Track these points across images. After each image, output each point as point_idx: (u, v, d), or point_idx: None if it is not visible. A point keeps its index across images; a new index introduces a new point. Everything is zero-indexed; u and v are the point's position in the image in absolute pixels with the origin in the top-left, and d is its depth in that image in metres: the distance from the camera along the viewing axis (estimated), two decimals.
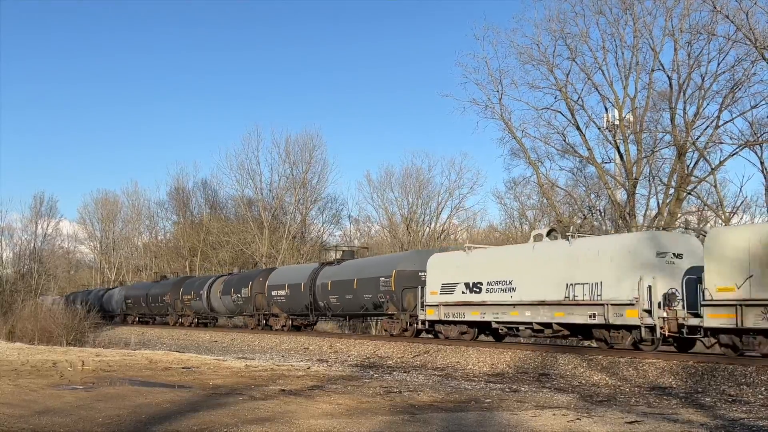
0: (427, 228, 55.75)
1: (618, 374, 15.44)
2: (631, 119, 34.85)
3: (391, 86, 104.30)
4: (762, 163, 33.84)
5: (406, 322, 25.30)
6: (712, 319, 15.70)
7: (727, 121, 32.98)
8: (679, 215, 34.26)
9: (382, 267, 26.63)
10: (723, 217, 34.30)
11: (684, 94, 33.23)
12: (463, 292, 22.19)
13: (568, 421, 9.26)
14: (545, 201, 41.04)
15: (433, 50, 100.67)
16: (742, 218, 36.17)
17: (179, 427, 8.44)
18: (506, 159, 62.73)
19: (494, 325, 21.47)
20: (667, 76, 33.75)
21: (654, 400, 12.14)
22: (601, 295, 18.02)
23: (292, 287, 31.78)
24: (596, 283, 18.15)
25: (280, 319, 32.89)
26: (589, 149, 36.65)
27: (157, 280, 49.95)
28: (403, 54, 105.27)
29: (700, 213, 36.75)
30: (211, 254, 60.34)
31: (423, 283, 23.99)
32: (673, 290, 16.95)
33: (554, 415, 9.88)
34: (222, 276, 41.21)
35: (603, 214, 40.21)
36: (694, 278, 16.56)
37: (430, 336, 24.44)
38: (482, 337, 23.22)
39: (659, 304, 16.94)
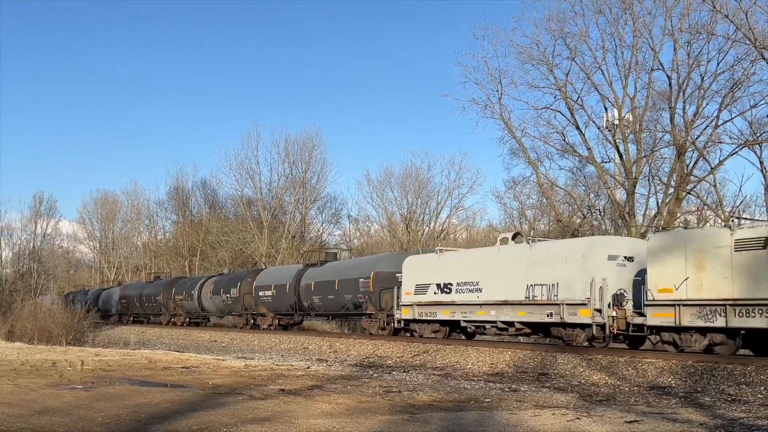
0: (427, 227, 55.78)
1: (617, 374, 15.45)
2: (631, 119, 34.84)
3: (390, 86, 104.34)
4: (761, 162, 33.86)
5: (384, 321, 26.33)
6: (654, 317, 16.99)
7: (726, 121, 33.00)
8: (678, 215, 34.24)
9: (362, 269, 27.80)
10: (722, 216, 34.30)
11: (683, 93, 33.25)
12: (435, 293, 23.33)
13: (567, 421, 9.26)
14: (545, 200, 41.04)
15: (432, 50, 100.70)
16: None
17: (179, 427, 8.44)
18: (506, 158, 62.61)
19: (463, 324, 22.65)
20: (667, 75, 33.78)
21: (653, 400, 12.14)
22: (557, 295, 19.29)
23: (278, 288, 32.84)
24: (553, 284, 19.42)
25: (267, 318, 34.00)
26: (588, 149, 36.68)
27: (151, 280, 50.76)
28: (403, 54, 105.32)
29: (699, 213, 36.76)
30: (210, 254, 60.35)
31: (399, 284, 24.98)
32: (622, 291, 18.14)
33: (554, 414, 9.89)
34: (212, 277, 42.27)
35: (602, 214, 40.22)
36: (640, 280, 17.76)
37: (408, 334, 25.43)
38: (454, 335, 24.34)
39: (609, 303, 18.11)
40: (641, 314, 17.56)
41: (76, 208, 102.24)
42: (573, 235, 35.78)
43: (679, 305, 16.38)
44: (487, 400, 11.61)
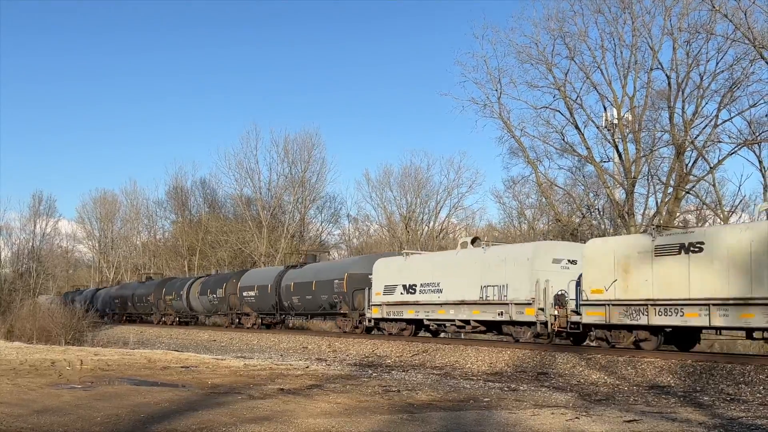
0: (426, 227, 55.80)
1: (616, 373, 15.46)
2: (630, 118, 34.85)
3: (389, 85, 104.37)
4: (760, 162, 33.91)
5: (357, 320, 27.89)
6: (588, 316, 18.45)
7: (725, 120, 33.04)
8: (677, 214, 34.28)
9: (337, 270, 29.44)
10: (722, 216, 34.33)
11: (683, 93, 33.27)
12: (401, 293, 24.90)
13: (566, 420, 9.26)
14: (544, 200, 41.07)
15: (431, 49, 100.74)
16: (740, 217, 36.20)
17: (178, 427, 8.44)
18: (505, 158, 62.56)
19: (426, 322, 24.29)
20: (666, 75, 33.79)
21: (652, 399, 12.15)
22: (507, 295, 20.98)
23: (261, 288, 34.34)
24: (503, 285, 21.11)
25: (251, 317, 35.49)
26: (587, 148, 36.69)
27: (143, 280, 51.80)
28: (402, 53, 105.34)
29: (698, 212, 36.78)
30: (209, 253, 60.32)
31: (370, 285, 26.39)
32: (562, 291, 19.52)
33: (553, 413, 9.89)
34: (200, 277, 43.78)
35: (602, 213, 40.25)
36: (578, 281, 19.18)
37: (381, 332, 26.57)
38: (420, 333, 25.86)
39: (551, 303, 19.66)
40: (579, 313, 18.87)
41: (75, 207, 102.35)
42: (572, 235, 35.85)
43: (608, 305, 17.85)
44: (486, 399, 11.61)
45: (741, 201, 36.11)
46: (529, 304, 20.19)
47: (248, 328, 34.86)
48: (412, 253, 26.69)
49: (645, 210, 36.46)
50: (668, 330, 17.57)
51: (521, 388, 13.64)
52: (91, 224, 78.75)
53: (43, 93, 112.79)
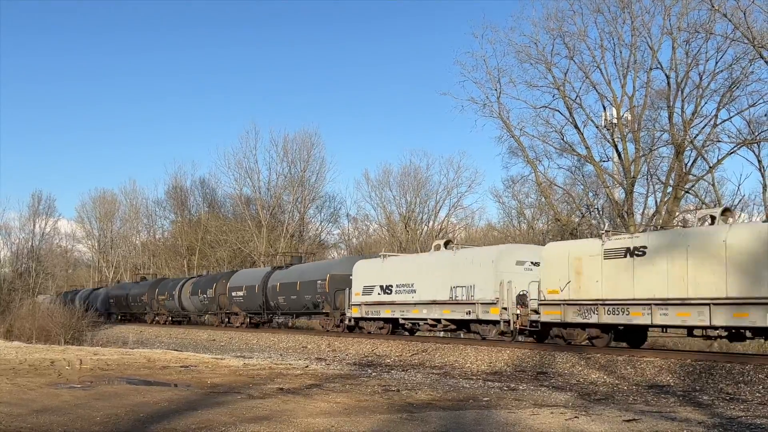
0: (425, 226, 55.79)
1: (616, 372, 15.46)
2: (629, 118, 34.85)
3: (389, 85, 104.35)
4: (759, 161, 33.92)
5: (338, 319, 28.83)
6: (546, 315, 19.59)
7: (725, 120, 33.07)
8: (677, 213, 34.29)
9: (320, 271, 30.63)
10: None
11: (682, 92, 33.28)
12: (378, 294, 25.99)
13: (566, 420, 9.26)
14: (543, 199, 41.06)
15: (431, 49, 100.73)
16: (740, 216, 36.21)
17: (177, 426, 8.43)
18: (504, 157, 62.35)
19: (401, 321, 25.48)
20: (665, 74, 33.80)
21: (652, 399, 12.15)
22: (474, 295, 22.00)
23: (248, 289, 35.51)
24: (471, 286, 22.14)
25: (240, 317, 36.69)
26: (587, 148, 36.69)
27: (138, 281, 52.88)
28: (402, 52, 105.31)
29: (697, 211, 36.77)
30: (209, 253, 60.31)
31: (351, 286, 27.39)
32: (524, 292, 20.56)
33: (552, 413, 9.89)
34: (192, 278, 45.07)
35: (601, 213, 40.24)
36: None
37: (361, 331, 27.35)
38: (398, 331, 26.72)
39: (514, 303, 20.72)
40: (538, 312, 19.92)
41: (74, 207, 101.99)
42: (572, 234, 35.85)
43: (563, 304, 19.01)
44: (485, 398, 11.61)
45: (740, 200, 36.13)
46: (494, 303, 21.23)
47: (237, 327, 36.02)
48: (389, 255, 27.68)
49: (644, 209, 36.52)
50: (621, 328, 18.55)
51: (521, 387, 13.64)
52: (90, 224, 78.86)
53: (43, 93, 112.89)
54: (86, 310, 32.70)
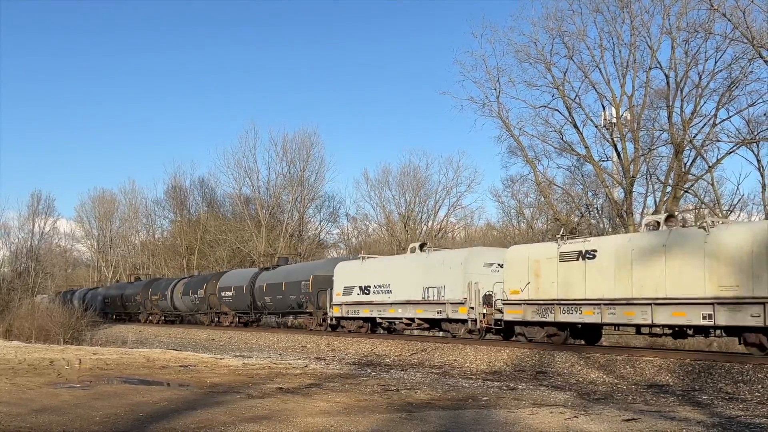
0: (425, 226, 55.78)
1: (615, 372, 15.46)
2: (629, 117, 34.86)
3: (388, 84, 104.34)
4: (759, 161, 33.98)
5: (321, 319, 29.77)
6: (509, 314, 20.75)
7: (724, 119, 33.08)
8: (676, 213, 34.29)
9: (304, 272, 31.69)
10: (720, 215, 34.34)
11: (681, 92, 33.28)
12: (358, 294, 26.97)
13: (565, 419, 9.26)
14: (543, 199, 41.07)
15: (431, 49, 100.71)
16: (739, 216, 36.23)
17: (177, 426, 8.43)
18: (504, 157, 62.74)
19: (378, 320, 26.47)
20: (665, 74, 33.81)
21: (651, 398, 12.16)
22: (444, 296, 22.98)
23: (237, 289, 36.62)
24: (441, 287, 23.10)
25: (229, 316, 37.88)
26: (586, 147, 36.69)
27: (132, 281, 53.59)
28: (401, 52, 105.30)
29: (697, 211, 36.81)
30: (208, 252, 60.29)
31: (333, 286, 28.32)
32: (490, 292, 21.48)
33: (551, 412, 9.89)
34: (184, 278, 45.87)
35: (600, 212, 40.28)
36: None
37: (342, 330, 28.19)
38: (378, 330, 27.55)
39: (481, 303, 21.57)
40: (502, 311, 20.98)
41: (73, 206, 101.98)
42: (571, 233, 35.83)
43: (524, 304, 20.12)
44: (485, 398, 11.61)
45: (739, 200, 36.18)
46: (462, 303, 22.13)
47: (226, 326, 37.27)
48: (368, 257, 28.60)
49: (644, 209, 36.52)
50: (579, 326, 19.69)
51: (520, 387, 13.64)
52: (89, 223, 78.79)
53: (42, 93, 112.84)
54: (85, 310, 32.73)
